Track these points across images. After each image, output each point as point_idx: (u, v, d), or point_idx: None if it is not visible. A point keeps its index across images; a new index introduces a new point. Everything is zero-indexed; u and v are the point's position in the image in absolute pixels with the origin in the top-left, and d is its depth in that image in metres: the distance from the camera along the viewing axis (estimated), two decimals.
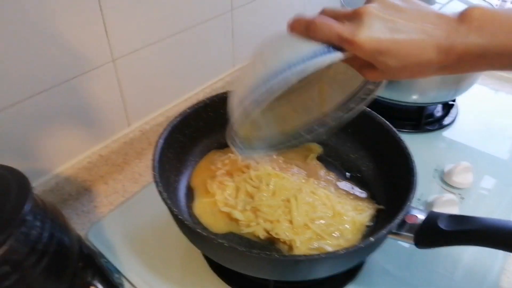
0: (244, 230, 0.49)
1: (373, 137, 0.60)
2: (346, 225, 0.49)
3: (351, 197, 0.55)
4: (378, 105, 0.75)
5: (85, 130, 0.61)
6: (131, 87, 0.64)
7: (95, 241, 0.54)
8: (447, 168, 0.67)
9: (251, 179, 0.52)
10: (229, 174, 0.55)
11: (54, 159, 0.59)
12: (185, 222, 0.41)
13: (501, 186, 0.66)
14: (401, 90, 0.72)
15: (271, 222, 0.48)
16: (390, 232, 0.42)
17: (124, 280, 0.50)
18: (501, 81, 0.97)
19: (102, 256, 0.52)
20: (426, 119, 0.79)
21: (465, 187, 0.65)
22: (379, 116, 0.59)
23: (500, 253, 0.54)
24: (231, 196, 0.52)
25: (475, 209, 0.62)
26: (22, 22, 0.47)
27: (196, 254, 0.52)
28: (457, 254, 0.54)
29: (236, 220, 0.50)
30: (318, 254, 0.40)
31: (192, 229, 0.41)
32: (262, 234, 0.48)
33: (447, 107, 0.83)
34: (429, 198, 0.62)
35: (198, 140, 0.61)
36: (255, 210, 0.49)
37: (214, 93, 0.62)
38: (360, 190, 0.57)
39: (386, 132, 0.57)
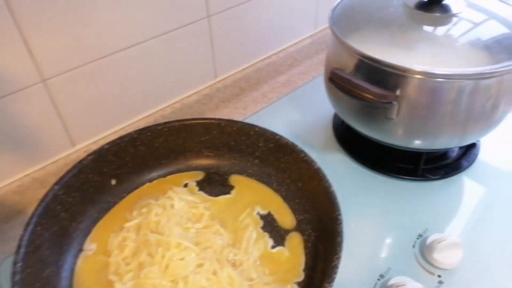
0: None
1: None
2: None
3: (274, 268, 0.44)
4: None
5: (14, 153, 0.57)
6: (71, 106, 0.59)
7: None
8: (430, 238, 0.52)
9: (150, 245, 0.44)
10: (138, 228, 0.47)
11: None
12: None
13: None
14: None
15: None
16: None
17: None
18: None
19: None
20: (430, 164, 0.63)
21: (448, 268, 0.50)
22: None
23: None
24: (126, 261, 0.44)
25: None
26: None
27: None
28: None
29: None
30: None
31: None
32: None
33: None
34: (393, 278, 0.49)
35: (123, 177, 0.54)
36: None
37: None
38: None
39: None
